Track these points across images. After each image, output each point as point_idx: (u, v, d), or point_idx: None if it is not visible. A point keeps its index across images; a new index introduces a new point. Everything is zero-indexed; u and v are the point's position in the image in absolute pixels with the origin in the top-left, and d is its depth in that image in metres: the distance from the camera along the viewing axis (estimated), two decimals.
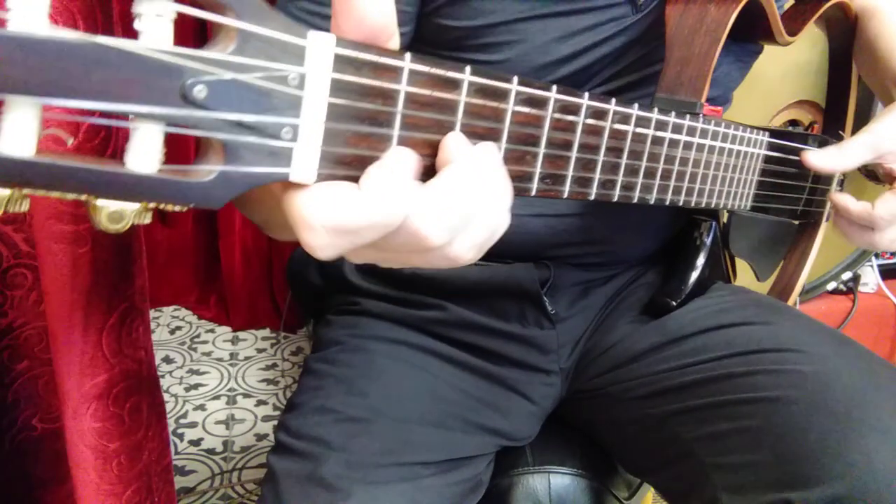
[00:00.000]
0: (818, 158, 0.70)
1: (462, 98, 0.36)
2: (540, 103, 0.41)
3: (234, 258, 2.03)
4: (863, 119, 0.88)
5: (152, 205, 0.29)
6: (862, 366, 0.63)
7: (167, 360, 1.92)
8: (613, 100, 0.46)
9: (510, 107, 0.39)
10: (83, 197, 0.27)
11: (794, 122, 0.91)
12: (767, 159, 0.71)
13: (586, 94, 0.44)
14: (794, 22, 0.73)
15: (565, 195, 0.46)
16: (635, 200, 0.53)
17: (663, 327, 0.74)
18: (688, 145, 0.57)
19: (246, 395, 1.78)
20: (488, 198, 0.36)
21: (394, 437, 0.66)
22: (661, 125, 0.52)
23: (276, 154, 0.30)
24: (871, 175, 0.77)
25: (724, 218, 0.78)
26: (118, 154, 0.49)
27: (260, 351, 2.00)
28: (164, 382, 1.79)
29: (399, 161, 0.33)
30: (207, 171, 0.29)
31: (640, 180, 0.52)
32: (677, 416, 0.69)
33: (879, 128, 0.69)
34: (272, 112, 0.30)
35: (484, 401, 0.74)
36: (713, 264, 0.77)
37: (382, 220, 0.32)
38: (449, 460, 0.68)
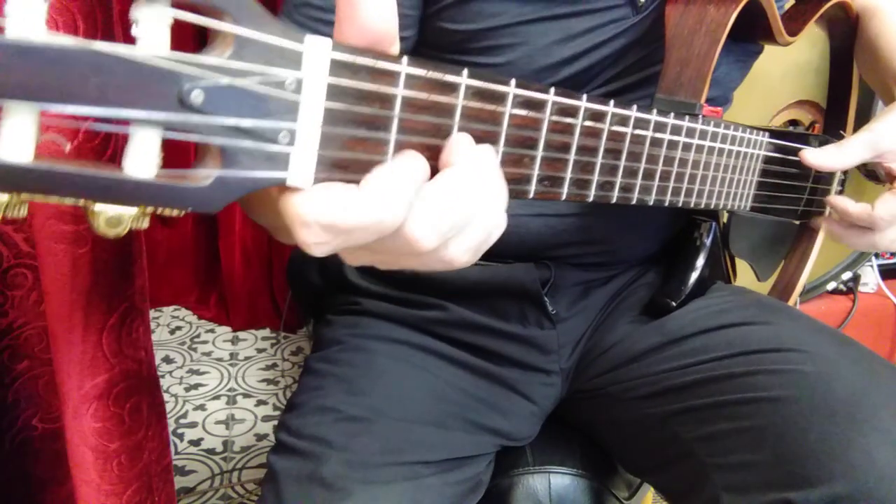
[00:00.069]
0: (817, 157, 0.70)
1: (459, 101, 0.36)
2: (538, 106, 0.41)
3: (234, 258, 2.03)
4: (864, 118, 0.88)
5: (150, 209, 0.29)
6: (863, 366, 0.63)
7: (167, 360, 1.92)
8: (612, 102, 0.46)
9: (508, 110, 0.39)
10: (81, 202, 0.27)
11: (794, 122, 0.91)
12: (767, 160, 0.71)
13: (584, 97, 0.44)
14: (795, 22, 0.73)
15: (563, 197, 0.46)
16: (634, 202, 0.53)
17: (663, 327, 0.74)
18: (687, 146, 0.57)
19: (246, 395, 1.78)
20: (483, 203, 0.36)
21: (394, 436, 0.66)
22: (659, 127, 0.52)
23: (274, 158, 0.30)
24: (872, 175, 0.77)
25: (725, 218, 0.78)
26: (118, 154, 0.49)
27: (260, 351, 2.00)
28: (164, 382, 1.79)
29: (403, 166, 0.33)
30: (205, 175, 0.29)
31: (638, 182, 0.52)
32: (677, 416, 0.69)
33: (879, 126, 0.69)
34: (269, 117, 0.30)
35: (484, 401, 0.75)
36: (713, 265, 0.77)
37: (373, 222, 0.32)
38: (449, 460, 0.68)
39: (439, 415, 0.70)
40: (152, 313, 2.12)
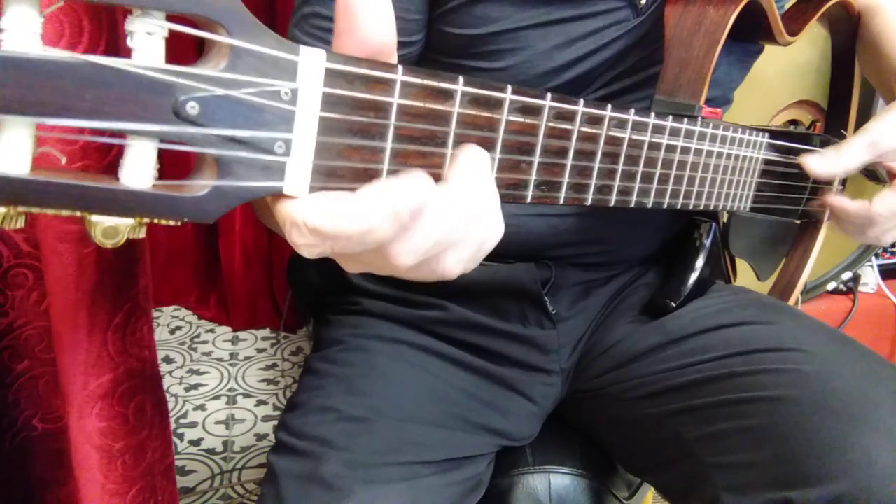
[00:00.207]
0: (817, 164, 0.69)
1: (455, 109, 0.36)
2: (534, 111, 0.41)
3: (234, 258, 2.03)
4: (865, 117, 0.88)
5: (146, 220, 0.29)
6: (862, 365, 0.63)
7: (167, 360, 1.92)
8: (609, 105, 0.46)
9: (504, 116, 0.39)
10: (78, 213, 0.27)
11: (794, 122, 0.91)
12: (767, 160, 0.71)
13: (581, 101, 0.44)
14: (795, 22, 0.73)
15: (561, 201, 0.46)
16: (632, 205, 0.53)
17: (663, 327, 0.74)
18: (685, 149, 0.57)
19: (246, 395, 1.78)
20: (472, 221, 0.36)
21: (394, 436, 0.66)
22: (657, 129, 0.52)
23: (269, 168, 0.30)
24: (872, 175, 0.77)
25: (725, 218, 0.78)
26: (117, 163, 0.49)
27: (260, 351, 2.00)
28: (165, 382, 1.78)
29: (398, 184, 0.33)
30: (201, 185, 0.29)
31: (637, 185, 0.52)
32: (678, 415, 0.69)
33: (879, 127, 0.69)
34: (265, 127, 0.30)
35: (484, 401, 0.75)
36: (713, 265, 0.77)
37: (357, 233, 0.32)
38: (449, 460, 0.68)
39: (439, 415, 0.70)
40: (152, 313, 2.12)
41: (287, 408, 0.72)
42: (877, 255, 1.46)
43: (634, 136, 0.50)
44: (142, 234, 0.29)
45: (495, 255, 0.71)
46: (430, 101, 0.35)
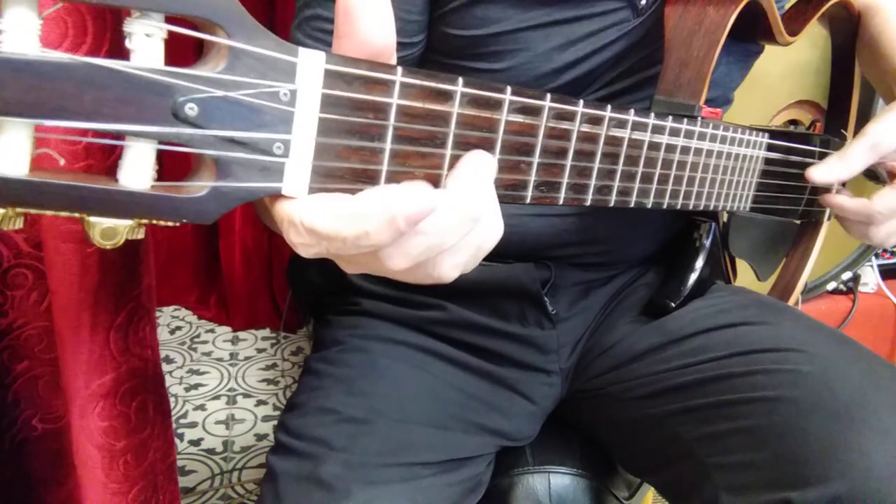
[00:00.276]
0: (821, 173, 0.69)
1: (455, 109, 0.36)
2: (534, 112, 0.41)
3: (234, 258, 2.02)
4: (865, 117, 0.88)
5: (145, 221, 0.29)
6: (862, 366, 0.63)
7: (167, 360, 1.92)
8: (608, 106, 0.46)
9: (503, 116, 0.39)
10: (76, 214, 0.27)
11: (794, 122, 0.91)
12: (767, 160, 0.71)
13: (581, 102, 0.44)
14: (795, 22, 0.73)
15: (560, 202, 0.46)
16: (632, 205, 0.53)
17: (663, 327, 0.74)
18: (685, 149, 0.56)
19: (246, 395, 1.78)
20: (469, 228, 0.36)
21: (394, 437, 0.66)
22: (657, 130, 0.52)
23: (268, 169, 0.30)
24: (872, 175, 0.77)
25: (725, 218, 0.78)
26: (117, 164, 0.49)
27: (260, 351, 2.00)
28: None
29: (400, 190, 0.33)
30: (199, 186, 0.29)
31: (636, 185, 0.52)
32: (677, 416, 0.69)
33: (879, 128, 0.68)
34: (264, 128, 0.30)
35: (484, 401, 0.75)
36: (713, 265, 0.77)
37: (352, 236, 0.32)
38: (449, 460, 0.68)
39: (439, 415, 0.70)
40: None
41: (286, 408, 0.72)
42: (877, 255, 1.46)
43: (634, 137, 0.50)
44: (140, 235, 0.29)
45: (495, 255, 0.71)
46: (429, 101, 0.35)
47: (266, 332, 2.11)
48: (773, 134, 0.70)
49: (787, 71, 0.87)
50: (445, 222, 0.34)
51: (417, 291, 0.76)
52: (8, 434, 0.63)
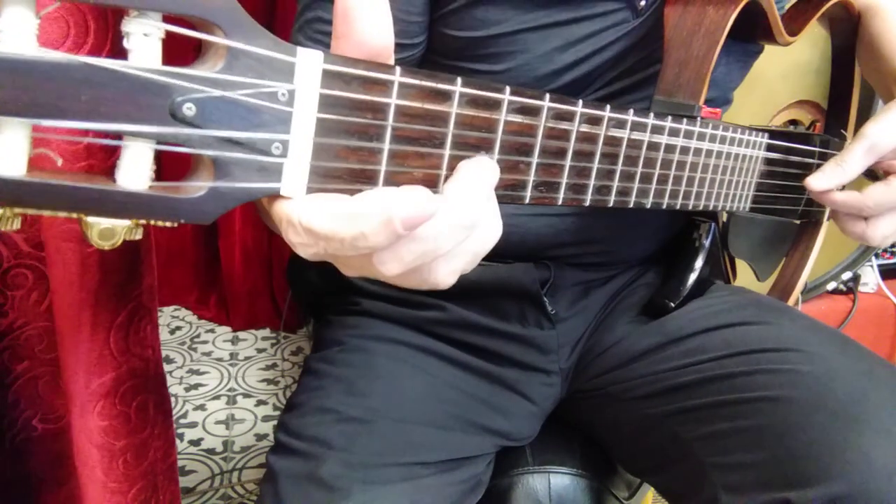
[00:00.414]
0: (820, 181, 0.69)
1: (453, 110, 0.36)
2: (533, 112, 0.41)
3: (234, 258, 2.02)
4: (865, 117, 0.88)
5: (143, 221, 0.29)
6: (862, 365, 0.63)
7: (167, 360, 1.92)
8: (608, 106, 0.46)
9: (502, 117, 0.39)
10: (74, 215, 0.27)
11: (794, 122, 0.91)
12: (767, 160, 0.71)
13: (580, 102, 0.44)
14: (795, 22, 0.73)
15: (560, 202, 0.46)
16: (631, 205, 0.53)
17: (663, 327, 0.74)
18: (684, 149, 0.56)
19: (246, 395, 1.78)
20: (466, 234, 0.36)
21: (393, 437, 0.66)
22: (656, 130, 0.52)
23: (267, 169, 0.30)
24: (871, 175, 0.77)
25: (724, 217, 0.78)
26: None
27: (260, 351, 2.00)
28: None
29: (399, 193, 0.33)
30: (197, 187, 0.29)
31: (636, 185, 0.52)
32: (677, 416, 0.69)
33: (876, 129, 0.68)
34: (262, 128, 0.30)
35: (484, 401, 0.75)
36: (712, 265, 0.77)
37: (349, 237, 0.32)
38: (449, 460, 0.68)
39: (439, 415, 0.70)
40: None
41: (286, 408, 0.72)
42: (877, 255, 1.46)
43: (633, 137, 0.50)
44: (139, 235, 0.29)
45: (494, 255, 0.71)
46: (427, 101, 0.35)
47: (266, 332, 2.11)
48: (773, 134, 0.70)
49: (787, 71, 0.87)
50: (439, 229, 0.34)
51: (417, 292, 0.75)
52: (8, 434, 0.63)
